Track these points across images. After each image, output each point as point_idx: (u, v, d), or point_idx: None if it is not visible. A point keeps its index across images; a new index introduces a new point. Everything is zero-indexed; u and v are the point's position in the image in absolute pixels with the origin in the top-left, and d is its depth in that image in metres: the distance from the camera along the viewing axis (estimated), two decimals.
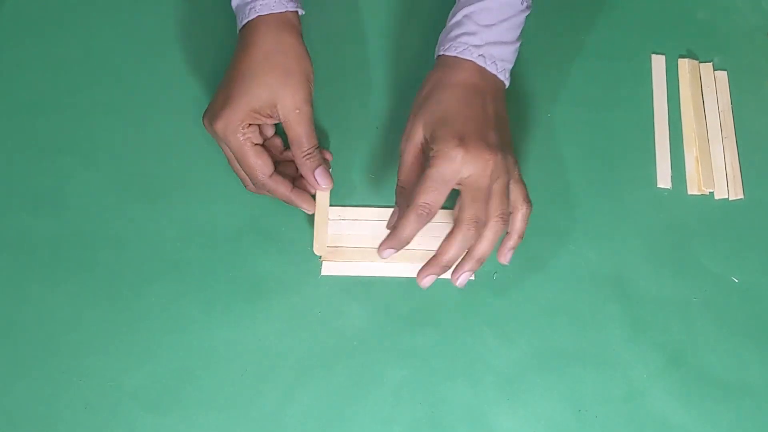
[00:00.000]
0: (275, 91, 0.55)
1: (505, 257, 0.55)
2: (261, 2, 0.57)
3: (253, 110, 0.55)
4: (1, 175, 0.60)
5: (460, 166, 0.51)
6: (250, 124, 0.55)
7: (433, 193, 0.51)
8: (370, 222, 0.60)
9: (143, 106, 0.63)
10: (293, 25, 0.58)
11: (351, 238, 0.59)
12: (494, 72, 0.56)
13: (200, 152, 0.61)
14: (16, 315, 0.56)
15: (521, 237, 0.55)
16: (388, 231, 0.53)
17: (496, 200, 0.52)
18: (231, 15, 0.66)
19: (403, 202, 0.54)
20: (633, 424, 0.55)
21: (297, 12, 0.59)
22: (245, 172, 0.56)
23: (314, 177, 0.56)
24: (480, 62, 0.55)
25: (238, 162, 0.56)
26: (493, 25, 0.56)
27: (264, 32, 0.56)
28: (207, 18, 0.66)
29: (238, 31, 0.58)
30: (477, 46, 0.55)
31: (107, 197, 0.60)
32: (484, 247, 0.53)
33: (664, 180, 0.62)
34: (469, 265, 0.53)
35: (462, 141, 0.51)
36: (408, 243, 0.53)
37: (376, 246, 0.58)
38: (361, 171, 0.61)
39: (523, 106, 0.64)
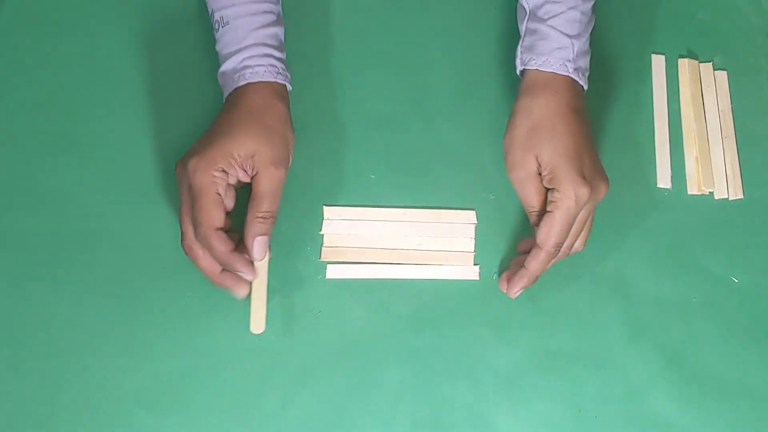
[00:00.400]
0: (256, 142, 0.53)
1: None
2: (251, 70, 0.56)
3: (230, 155, 0.53)
4: (1, 174, 0.60)
5: (585, 202, 0.53)
6: (223, 170, 0.53)
7: (562, 234, 0.53)
8: (369, 222, 0.60)
9: (143, 106, 0.62)
10: (282, 95, 0.57)
11: (351, 239, 0.59)
12: (583, 83, 0.57)
13: None
14: (16, 314, 0.56)
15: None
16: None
17: (579, 227, 0.55)
18: None
19: (536, 223, 0.55)
20: (633, 424, 0.55)
21: (285, 86, 0.58)
22: (194, 218, 0.52)
23: (253, 243, 0.53)
24: (574, 76, 0.56)
25: (194, 205, 0.52)
26: (580, 35, 0.56)
27: (252, 94, 0.56)
28: (207, 16, 0.66)
29: (224, 99, 0.58)
30: (570, 61, 0.56)
31: (108, 197, 0.60)
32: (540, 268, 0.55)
33: (664, 180, 0.63)
34: (527, 281, 0.55)
35: (585, 180, 0.53)
36: (538, 278, 0.55)
37: (376, 246, 0.59)
38: (360, 171, 0.61)
39: None
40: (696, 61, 0.67)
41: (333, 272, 0.58)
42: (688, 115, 0.65)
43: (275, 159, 0.54)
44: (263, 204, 0.53)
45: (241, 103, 0.55)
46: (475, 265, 0.59)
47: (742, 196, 0.63)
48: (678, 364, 0.57)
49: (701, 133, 0.64)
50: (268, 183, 0.54)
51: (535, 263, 0.54)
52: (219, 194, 0.53)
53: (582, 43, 0.57)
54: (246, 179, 0.54)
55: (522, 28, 0.59)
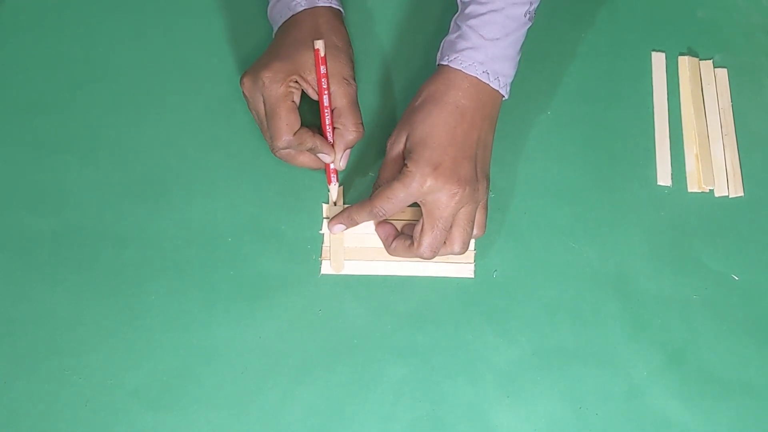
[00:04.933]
0: (327, 59, 0.56)
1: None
2: None
3: (303, 69, 0.56)
4: (1, 173, 0.60)
5: (426, 191, 0.53)
6: (296, 81, 0.56)
7: (390, 204, 0.54)
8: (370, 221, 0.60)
9: (143, 105, 0.63)
10: (341, 19, 0.60)
11: (349, 236, 0.59)
12: (496, 87, 0.56)
13: (201, 151, 0.61)
14: (16, 313, 0.56)
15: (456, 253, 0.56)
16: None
17: (458, 229, 0.55)
18: (232, 13, 0.66)
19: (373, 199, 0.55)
20: (633, 422, 0.55)
21: (340, 11, 0.61)
22: (273, 129, 0.55)
23: (342, 154, 0.58)
24: (483, 78, 0.55)
25: (269, 117, 0.55)
26: (498, 39, 0.55)
27: (313, 16, 0.58)
28: (208, 16, 0.66)
29: (276, 28, 0.60)
30: (481, 63, 0.55)
31: (108, 195, 0.60)
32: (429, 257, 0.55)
33: (664, 177, 0.62)
34: (346, 221, 0.57)
35: (435, 170, 0.53)
36: (356, 225, 0.57)
37: (375, 245, 0.59)
38: (360, 170, 0.61)
39: (524, 104, 0.64)
40: (696, 59, 0.67)
41: (328, 268, 0.58)
42: (689, 112, 0.65)
43: (347, 75, 0.57)
44: (351, 116, 0.57)
45: (306, 24, 0.57)
46: (472, 263, 0.59)
47: (742, 194, 0.62)
48: (678, 361, 0.57)
49: (701, 131, 0.64)
50: (347, 97, 0.57)
51: (357, 208, 0.55)
52: (294, 102, 0.56)
53: (502, 48, 0.56)
54: (313, 96, 0.57)
55: (450, 23, 0.59)
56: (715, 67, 0.67)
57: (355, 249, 0.59)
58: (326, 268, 0.58)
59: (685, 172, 0.63)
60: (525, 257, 0.59)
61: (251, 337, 0.56)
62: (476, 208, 0.55)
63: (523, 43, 0.58)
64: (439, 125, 0.54)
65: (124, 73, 0.64)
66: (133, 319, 0.56)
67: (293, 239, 0.59)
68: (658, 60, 0.67)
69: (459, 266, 0.59)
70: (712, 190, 0.62)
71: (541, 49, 0.66)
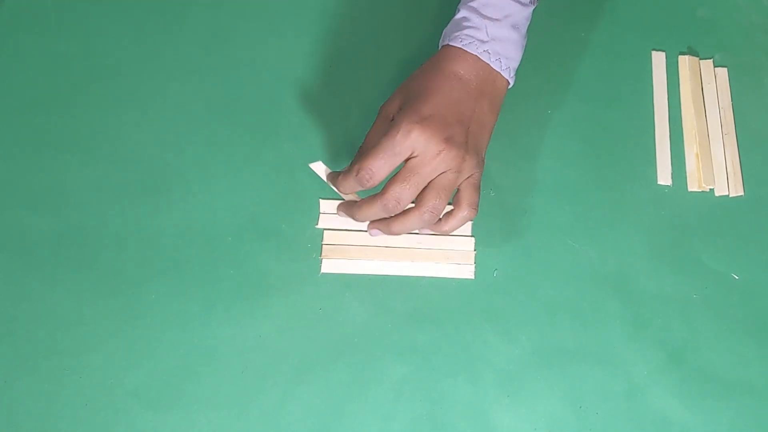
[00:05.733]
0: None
1: (395, 231, 0.53)
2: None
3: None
4: (1, 172, 0.60)
5: (412, 143, 0.50)
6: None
7: (379, 162, 0.50)
8: None
9: (143, 104, 0.62)
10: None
11: (349, 235, 0.59)
12: (498, 69, 0.55)
13: (201, 150, 0.61)
14: (16, 312, 0.56)
15: (443, 233, 0.55)
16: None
17: (431, 193, 0.51)
18: (231, 11, 0.66)
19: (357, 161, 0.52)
20: (633, 421, 0.55)
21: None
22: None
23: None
24: (485, 58, 0.54)
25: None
26: (498, 20, 0.55)
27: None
28: (207, 15, 0.66)
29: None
30: (482, 41, 0.54)
31: (107, 195, 0.60)
32: (396, 227, 0.53)
33: (664, 177, 0.62)
34: (382, 228, 0.54)
35: (423, 120, 0.50)
36: (347, 197, 0.55)
37: (375, 244, 0.59)
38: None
39: (524, 103, 0.64)
40: (696, 58, 0.67)
41: (328, 267, 0.58)
42: (689, 112, 0.65)
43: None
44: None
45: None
46: (472, 263, 0.59)
47: (742, 193, 0.62)
48: (678, 360, 0.57)
49: (702, 130, 0.64)
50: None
51: (346, 178, 0.52)
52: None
53: (504, 28, 0.55)
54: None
55: (458, 6, 0.58)
56: (715, 66, 0.67)
57: (355, 248, 0.59)
58: (326, 267, 0.58)
59: (685, 172, 0.63)
60: (525, 256, 0.59)
61: (251, 336, 0.56)
62: (459, 180, 0.52)
63: (529, 27, 0.57)
64: (434, 88, 0.52)
65: (124, 73, 0.64)
66: (133, 319, 0.56)
67: (293, 238, 0.59)
68: (659, 59, 0.67)
69: (459, 267, 0.59)
70: (712, 190, 0.63)
71: (542, 49, 0.66)
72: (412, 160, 0.50)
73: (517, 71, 0.58)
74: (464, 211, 0.53)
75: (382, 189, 0.51)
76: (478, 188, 0.54)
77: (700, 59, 0.67)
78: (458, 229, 0.59)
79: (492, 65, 0.55)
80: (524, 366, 0.56)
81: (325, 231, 0.59)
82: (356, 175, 0.51)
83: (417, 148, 0.50)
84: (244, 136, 0.62)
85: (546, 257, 0.59)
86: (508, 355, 0.57)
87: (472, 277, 0.59)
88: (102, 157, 0.61)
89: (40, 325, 0.56)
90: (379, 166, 0.50)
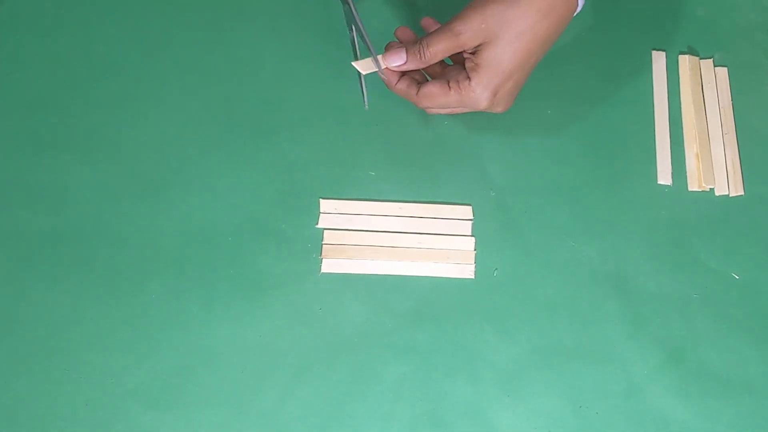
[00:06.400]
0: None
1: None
2: None
3: None
4: (2, 171, 0.60)
5: (477, 108, 0.54)
6: None
7: (436, 103, 0.54)
8: (368, 217, 0.60)
9: (143, 103, 0.63)
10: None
11: (349, 235, 0.59)
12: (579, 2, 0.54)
13: (200, 149, 0.61)
14: (16, 312, 0.56)
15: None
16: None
17: (446, 111, 0.56)
18: (231, 11, 0.66)
19: (413, 61, 0.54)
20: (633, 420, 0.55)
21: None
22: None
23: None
24: None
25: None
26: None
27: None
28: (207, 15, 0.66)
29: None
30: None
31: (107, 194, 0.60)
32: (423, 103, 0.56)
33: (664, 176, 0.62)
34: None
35: (494, 95, 0.53)
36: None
37: (375, 243, 0.59)
38: (360, 168, 0.61)
39: (524, 102, 0.64)
40: (696, 58, 0.67)
41: (328, 266, 0.58)
42: (689, 111, 0.65)
43: None
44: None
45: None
46: (472, 263, 0.59)
47: (742, 193, 0.62)
48: (678, 359, 0.57)
49: (702, 130, 0.64)
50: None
51: (408, 96, 0.55)
52: None
53: None
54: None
55: None
56: (715, 65, 0.67)
57: (355, 248, 0.59)
58: (326, 267, 0.58)
59: (685, 171, 0.63)
60: (525, 256, 0.59)
61: (251, 336, 0.56)
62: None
63: None
64: (518, 50, 0.52)
65: (124, 73, 0.64)
66: (133, 318, 0.56)
67: (293, 238, 0.59)
68: (659, 59, 0.67)
69: (459, 267, 0.59)
70: (712, 189, 0.62)
71: None
72: (467, 101, 0.54)
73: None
74: (436, 110, 0.57)
75: (428, 94, 0.54)
76: (457, 113, 0.57)
77: (700, 59, 0.67)
78: (456, 227, 0.60)
79: None
80: (524, 365, 0.56)
81: (324, 231, 0.59)
82: (418, 93, 0.55)
83: (482, 105, 0.54)
84: (243, 136, 0.62)
85: (546, 257, 0.59)
86: (508, 355, 0.57)
87: (472, 277, 0.59)
88: (102, 157, 0.61)
89: (40, 325, 0.56)
90: (435, 106, 0.55)
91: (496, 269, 0.59)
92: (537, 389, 0.56)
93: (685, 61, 0.66)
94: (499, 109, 0.55)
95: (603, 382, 0.56)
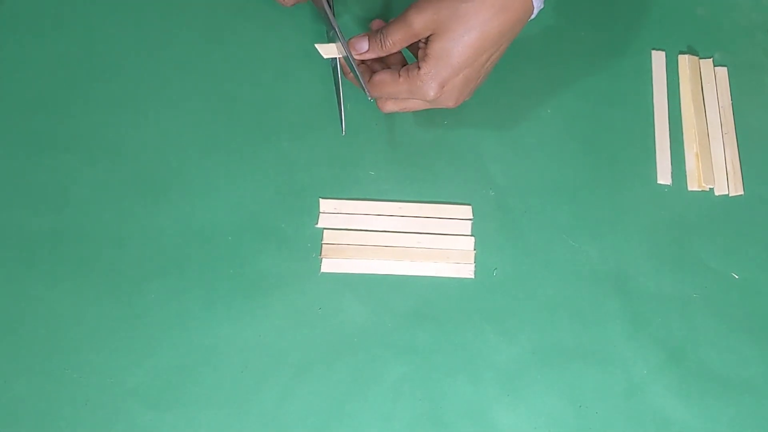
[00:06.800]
0: None
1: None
2: None
3: None
4: (2, 172, 0.60)
5: (426, 92, 0.54)
6: None
7: (386, 90, 0.55)
8: (368, 217, 0.60)
9: (144, 103, 0.63)
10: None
11: (349, 235, 0.59)
12: (535, 4, 0.54)
13: (201, 149, 0.61)
14: (16, 312, 0.56)
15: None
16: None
17: (400, 106, 0.57)
18: (231, 11, 0.66)
19: (374, 49, 0.55)
20: (633, 419, 0.55)
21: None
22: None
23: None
24: None
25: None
26: None
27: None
28: (207, 15, 0.66)
29: None
30: None
31: (108, 194, 0.60)
32: (373, 88, 0.57)
33: (664, 176, 0.62)
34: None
35: (441, 87, 0.54)
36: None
37: (375, 243, 0.59)
38: (360, 168, 0.61)
39: (524, 102, 0.64)
40: (696, 57, 0.67)
41: (328, 266, 0.58)
42: (689, 111, 0.65)
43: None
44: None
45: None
46: (472, 263, 0.59)
47: (742, 192, 0.62)
48: (678, 359, 0.57)
49: (701, 130, 0.64)
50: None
51: (364, 82, 0.56)
52: None
53: None
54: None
55: None
56: (715, 65, 0.67)
57: (355, 248, 0.59)
58: (326, 267, 0.58)
59: (685, 171, 0.63)
60: (525, 256, 0.59)
61: (251, 336, 0.56)
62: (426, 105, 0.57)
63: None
64: (467, 44, 0.53)
65: (124, 73, 0.64)
66: (133, 318, 0.56)
67: (293, 237, 0.59)
68: (658, 58, 0.67)
69: (459, 266, 0.59)
70: (712, 189, 0.63)
71: (542, 48, 0.66)
72: (417, 93, 0.55)
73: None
74: (387, 103, 0.58)
75: (379, 82, 0.55)
76: (413, 110, 0.58)
77: (700, 58, 0.67)
78: (455, 227, 0.60)
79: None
80: (524, 365, 0.56)
81: (324, 230, 0.59)
82: (369, 80, 0.56)
83: (429, 96, 0.54)
84: (243, 136, 0.62)
85: (546, 256, 0.59)
86: (508, 354, 0.57)
87: (472, 277, 0.59)
88: (102, 157, 0.61)
89: (41, 324, 0.56)
90: (386, 93, 0.56)
91: (496, 269, 0.59)
92: (537, 389, 0.56)
93: (684, 60, 0.66)
94: (450, 104, 0.56)
95: (603, 382, 0.56)
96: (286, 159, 0.61)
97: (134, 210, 0.59)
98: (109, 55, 0.64)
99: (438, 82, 0.53)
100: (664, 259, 0.60)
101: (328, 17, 0.56)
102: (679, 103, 0.65)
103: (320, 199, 0.60)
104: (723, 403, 0.56)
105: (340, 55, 0.57)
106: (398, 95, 0.56)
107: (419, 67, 0.54)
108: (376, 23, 0.59)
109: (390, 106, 0.58)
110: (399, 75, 0.55)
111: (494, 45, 0.54)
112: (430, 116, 0.63)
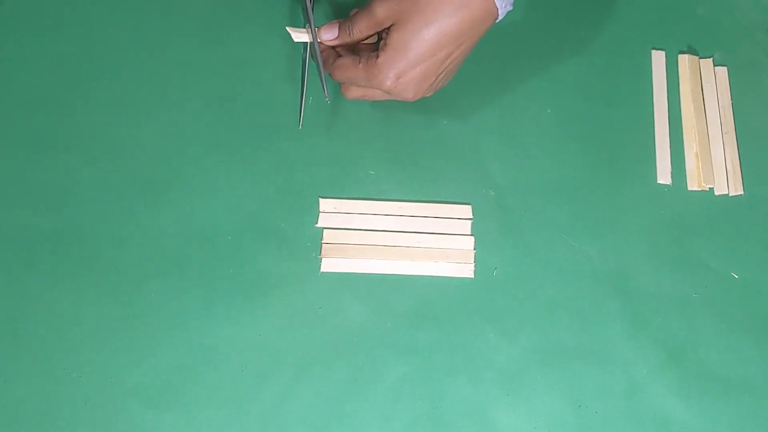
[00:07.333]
0: None
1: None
2: None
3: None
4: (2, 171, 0.60)
5: (384, 83, 0.55)
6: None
7: (346, 76, 0.56)
8: (368, 216, 0.60)
9: (144, 103, 0.63)
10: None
11: (349, 234, 0.59)
12: (499, 6, 0.54)
13: (201, 149, 0.61)
14: (17, 311, 0.56)
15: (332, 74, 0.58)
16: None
17: (362, 93, 0.58)
18: (231, 11, 0.66)
19: (343, 36, 0.57)
20: (633, 419, 0.55)
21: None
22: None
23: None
24: None
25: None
26: None
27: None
28: (208, 13, 0.66)
29: None
30: None
31: (108, 194, 0.60)
32: (335, 72, 0.58)
33: (664, 176, 0.63)
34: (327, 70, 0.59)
35: (398, 79, 0.54)
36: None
37: (375, 242, 0.59)
38: (360, 167, 0.61)
39: (524, 101, 0.64)
40: (696, 57, 0.67)
41: (328, 266, 0.58)
42: (689, 111, 0.65)
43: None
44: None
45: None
46: (472, 263, 0.59)
47: (742, 192, 0.62)
48: (678, 359, 0.57)
49: (701, 129, 0.64)
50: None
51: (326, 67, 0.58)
52: None
53: None
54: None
55: None
56: (715, 65, 0.67)
57: (354, 247, 0.59)
58: (326, 266, 0.58)
59: (685, 171, 0.63)
60: (525, 255, 0.59)
61: (251, 335, 0.56)
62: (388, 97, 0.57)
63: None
64: (424, 38, 0.53)
65: (124, 72, 0.64)
66: (133, 318, 0.56)
67: (293, 237, 0.59)
68: (658, 58, 0.67)
69: (459, 266, 0.59)
70: (712, 189, 0.63)
71: (542, 47, 0.66)
72: (375, 84, 0.55)
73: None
74: (352, 91, 0.58)
75: (341, 67, 0.56)
76: (375, 99, 0.59)
77: (700, 58, 0.67)
78: (455, 226, 0.60)
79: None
80: (524, 365, 0.56)
81: (324, 230, 0.59)
82: (333, 64, 0.57)
83: (385, 85, 0.55)
84: (243, 135, 0.62)
85: (546, 256, 0.59)
86: (508, 354, 0.57)
87: (472, 276, 0.59)
88: (102, 157, 0.61)
89: (41, 324, 0.56)
90: (346, 78, 0.56)
91: (496, 269, 0.59)
92: (537, 389, 0.56)
93: (684, 60, 0.66)
94: (408, 96, 0.56)
95: (603, 382, 0.56)
96: (286, 159, 0.61)
97: (134, 210, 0.59)
98: (109, 55, 0.64)
99: (394, 72, 0.54)
100: (664, 259, 0.60)
101: (305, 2, 0.58)
102: (679, 103, 0.65)
103: (320, 199, 0.60)
104: (723, 403, 0.56)
105: (311, 41, 0.58)
106: (357, 81, 0.56)
107: (377, 56, 0.54)
108: (355, 12, 0.59)
109: (353, 93, 0.58)
110: (359, 62, 0.55)
111: (453, 42, 0.54)
112: (430, 116, 0.63)
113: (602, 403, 0.56)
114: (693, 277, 0.59)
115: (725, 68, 0.67)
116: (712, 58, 0.67)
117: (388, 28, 0.55)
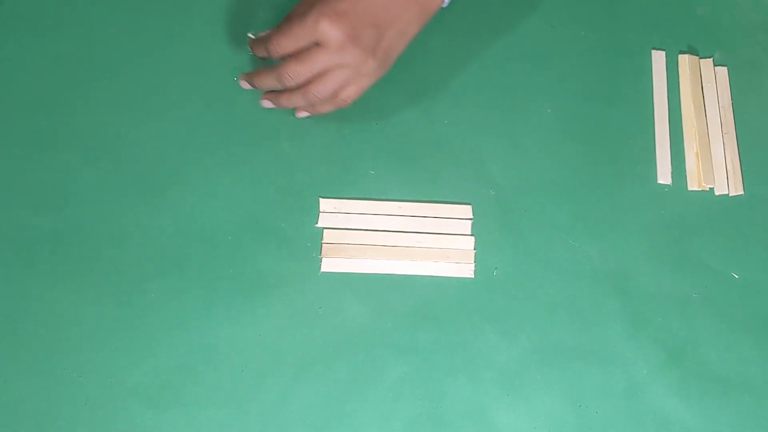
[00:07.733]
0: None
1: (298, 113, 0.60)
2: None
3: None
4: (2, 171, 0.60)
5: (319, 32, 0.52)
6: None
7: (285, 40, 0.54)
8: (368, 216, 0.60)
9: (144, 103, 0.63)
10: (432, 7, 0.56)
11: (349, 234, 0.59)
12: None
13: (201, 149, 0.61)
14: (17, 311, 0.56)
15: (317, 113, 0.59)
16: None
17: (321, 79, 0.55)
18: (231, 11, 0.66)
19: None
20: (633, 419, 0.55)
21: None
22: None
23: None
24: None
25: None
26: None
27: None
28: (208, 13, 0.66)
29: None
30: None
31: (108, 194, 0.60)
32: (283, 100, 0.58)
33: (664, 176, 0.62)
34: (272, 99, 0.59)
35: (335, 15, 0.52)
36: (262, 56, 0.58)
37: (375, 242, 0.59)
38: (360, 167, 0.61)
39: (523, 101, 0.64)
40: (696, 57, 0.67)
41: (328, 266, 0.58)
42: (689, 111, 0.65)
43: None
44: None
45: None
46: (472, 262, 0.59)
47: (742, 192, 0.62)
48: (678, 359, 0.57)
49: (701, 129, 0.64)
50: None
51: (256, 43, 0.57)
52: None
53: None
54: None
55: None
56: (715, 65, 0.67)
57: (355, 247, 0.59)
58: (326, 266, 0.58)
59: (685, 171, 0.63)
60: (525, 255, 0.59)
61: (251, 335, 0.56)
62: (354, 78, 0.55)
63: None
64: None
65: (124, 72, 0.64)
66: (133, 317, 0.56)
67: (293, 237, 0.59)
68: (658, 58, 0.67)
69: (459, 266, 0.59)
70: (712, 189, 0.63)
71: (541, 47, 0.66)
72: (315, 47, 0.53)
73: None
74: (338, 100, 0.57)
75: (281, 63, 0.55)
76: (363, 90, 0.57)
77: (700, 58, 0.67)
78: (455, 226, 0.60)
79: None
80: (524, 365, 0.56)
81: (324, 230, 0.59)
82: (266, 45, 0.55)
83: (322, 37, 0.53)
84: (243, 135, 0.62)
85: (546, 256, 0.59)
86: (508, 354, 0.57)
87: (472, 276, 0.59)
88: (102, 156, 0.61)
89: (40, 324, 0.56)
90: (285, 45, 0.54)
91: (496, 268, 0.59)
92: (537, 389, 0.56)
93: (684, 60, 0.66)
94: (337, 34, 0.53)
95: (603, 382, 0.56)
96: (286, 159, 0.61)
97: (134, 209, 0.59)
98: (109, 55, 0.64)
99: (333, 10, 0.52)
100: (664, 259, 0.60)
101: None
102: (679, 103, 0.65)
103: (320, 199, 0.60)
104: (723, 403, 0.56)
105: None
106: (297, 42, 0.54)
107: (311, 5, 0.53)
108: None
109: (290, 99, 0.57)
110: (294, 18, 0.53)
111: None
112: (430, 116, 0.63)
113: (602, 403, 0.56)
114: (693, 277, 0.59)
115: (725, 68, 0.67)
116: (712, 58, 0.67)
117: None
